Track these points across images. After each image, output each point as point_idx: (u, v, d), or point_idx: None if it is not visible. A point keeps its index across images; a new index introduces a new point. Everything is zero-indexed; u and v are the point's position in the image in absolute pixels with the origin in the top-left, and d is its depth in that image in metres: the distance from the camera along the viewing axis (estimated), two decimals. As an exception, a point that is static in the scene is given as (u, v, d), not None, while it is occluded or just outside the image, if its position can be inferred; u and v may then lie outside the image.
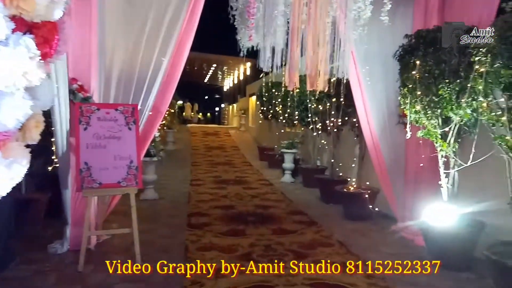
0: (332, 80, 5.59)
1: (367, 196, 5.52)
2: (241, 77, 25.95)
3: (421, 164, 4.34)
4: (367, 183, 5.92)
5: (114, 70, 4.18)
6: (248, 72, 22.98)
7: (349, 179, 6.28)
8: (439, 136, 3.84)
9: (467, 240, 3.74)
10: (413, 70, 3.86)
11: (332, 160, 7.15)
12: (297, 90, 6.43)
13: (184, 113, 27.86)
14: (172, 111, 15.25)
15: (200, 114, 33.91)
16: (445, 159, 3.94)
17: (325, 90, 4.24)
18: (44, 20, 1.77)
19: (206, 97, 41.73)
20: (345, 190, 5.92)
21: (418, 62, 3.82)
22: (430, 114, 3.81)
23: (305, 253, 4.10)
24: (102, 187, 3.74)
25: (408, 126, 4.09)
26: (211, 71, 29.07)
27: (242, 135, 19.50)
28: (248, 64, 21.42)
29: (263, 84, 11.95)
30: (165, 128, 13.92)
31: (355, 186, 5.95)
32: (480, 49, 3.10)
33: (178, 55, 4.34)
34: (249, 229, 4.98)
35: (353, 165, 6.26)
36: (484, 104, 3.14)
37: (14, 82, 1.61)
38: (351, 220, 5.51)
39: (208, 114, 38.49)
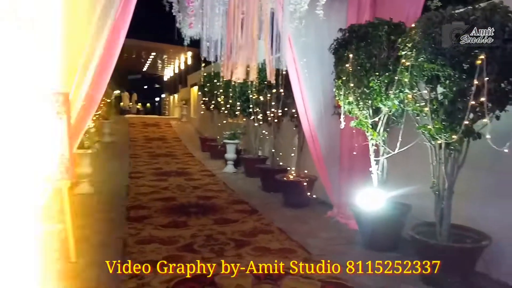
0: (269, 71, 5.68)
1: (305, 184, 5.73)
2: (182, 67, 25.37)
3: (354, 152, 4.59)
4: (306, 171, 6.12)
5: (42, 56, 3.91)
6: (189, 62, 22.51)
7: (289, 168, 6.46)
8: (370, 126, 4.07)
9: (395, 222, 4.04)
10: (347, 63, 4.04)
11: (273, 150, 7.30)
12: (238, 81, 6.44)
13: (121, 104, 26.75)
14: (108, 101, 14.57)
15: (139, 104, 32.68)
16: (375, 147, 4.19)
17: (270, 80, 4.32)
18: None
19: (146, 87, 40.32)
20: (284, 178, 6.08)
21: (351, 56, 4.00)
22: (362, 105, 4.02)
23: (247, 241, 4.17)
24: (30, 182, 3.51)
25: (342, 116, 4.29)
26: (150, 59, 28.09)
27: (183, 126, 19.18)
28: (189, 53, 20.98)
29: (205, 74, 11.81)
30: (100, 119, 13.29)
31: (294, 174, 6.13)
32: (406, 44, 3.32)
33: (112, 42, 4.15)
34: (190, 220, 4.96)
35: (292, 155, 6.44)
36: (410, 96, 3.36)
37: None
38: (290, 208, 5.69)
39: (148, 104, 37.20)
